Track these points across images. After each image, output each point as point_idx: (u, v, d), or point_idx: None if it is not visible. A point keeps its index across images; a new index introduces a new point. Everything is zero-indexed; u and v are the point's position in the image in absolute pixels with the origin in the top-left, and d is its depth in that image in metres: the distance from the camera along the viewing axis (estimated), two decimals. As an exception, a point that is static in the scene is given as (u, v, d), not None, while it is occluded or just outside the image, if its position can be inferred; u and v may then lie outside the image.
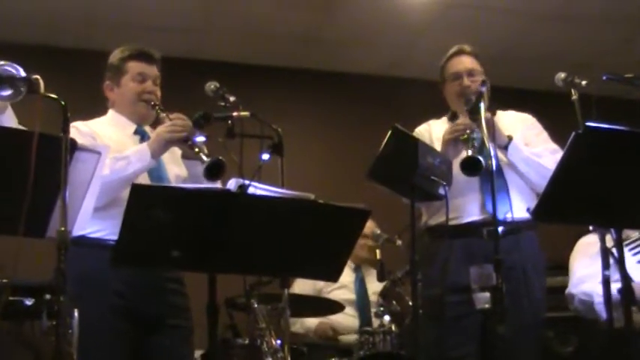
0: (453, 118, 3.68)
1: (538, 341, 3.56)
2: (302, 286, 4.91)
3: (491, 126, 3.38)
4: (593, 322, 3.98)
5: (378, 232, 4.70)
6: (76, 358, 3.05)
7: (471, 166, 3.19)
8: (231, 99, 3.23)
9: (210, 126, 3.24)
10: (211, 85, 3.29)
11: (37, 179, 2.42)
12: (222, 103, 3.25)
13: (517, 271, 3.36)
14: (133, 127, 3.41)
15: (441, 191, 3.10)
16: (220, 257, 2.63)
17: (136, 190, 2.49)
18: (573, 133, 2.75)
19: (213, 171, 3.02)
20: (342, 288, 5.09)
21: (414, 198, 3.03)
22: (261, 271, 2.96)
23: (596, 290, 3.70)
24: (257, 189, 2.68)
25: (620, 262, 3.00)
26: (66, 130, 2.45)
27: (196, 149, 3.09)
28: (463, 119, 3.46)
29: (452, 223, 3.47)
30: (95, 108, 3.50)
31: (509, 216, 3.38)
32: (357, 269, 5.27)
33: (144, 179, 3.23)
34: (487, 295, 3.07)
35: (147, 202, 2.50)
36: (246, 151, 3.17)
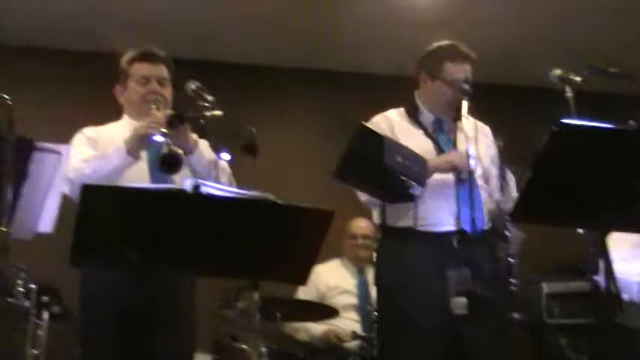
0: (413, 111, 3.59)
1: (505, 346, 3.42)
2: (306, 291, 4.86)
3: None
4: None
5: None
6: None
7: None
8: (209, 99, 3.18)
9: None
10: (191, 85, 3.24)
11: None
12: (201, 103, 3.21)
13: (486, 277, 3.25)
14: None
15: (413, 192, 3.01)
16: (178, 259, 2.60)
17: (86, 189, 2.46)
18: (549, 131, 2.67)
19: (165, 164, 2.99)
20: (346, 293, 5.03)
21: (383, 199, 2.95)
22: (222, 274, 2.91)
23: None
24: (212, 189, 2.62)
25: (607, 268, 2.88)
26: (11, 130, 2.44)
27: (163, 144, 3.06)
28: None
29: (423, 229, 3.34)
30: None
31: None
32: (360, 273, 5.19)
33: (144, 179, 3.23)
34: (464, 300, 2.99)
35: (97, 201, 2.48)
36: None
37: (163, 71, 3.47)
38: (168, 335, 3.17)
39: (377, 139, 2.88)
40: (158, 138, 3.05)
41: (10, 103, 2.50)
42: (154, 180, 3.24)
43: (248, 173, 3.13)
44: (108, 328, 3.11)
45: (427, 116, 3.54)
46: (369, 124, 3.42)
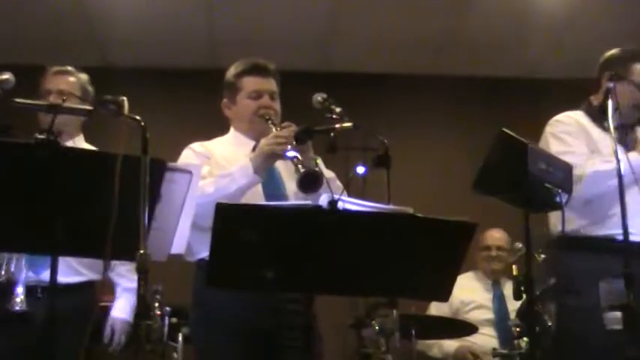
0: (599, 115, 3.50)
1: None
2: (438, 307, 4.83)
3: None
4: None
5: (519, 245, 4.51)
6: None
7: None
8: (337, 110, 3.16)
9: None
10: (318, 97, 3.23)
11: (122, 201, 2.47)
12: (329, 115, 3.19)
13: None
14: (251, 144, 3.40)
15: (559, 200, 2.92)
16: (315, 277, 2.59)
17: (220, 209, 2.47)
18: None
19: (306, 183, 2.98)
20: (481, 307, 4.98)
21: (527, 208, 2.87)
22: (360, 292, 2.89)
23: None
24: (349, 204, 2.60)
25: None
26: (146, 151, 2.48)
27: (295, 161, 3.06)
28: None
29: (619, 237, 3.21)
30: (222, 126, 3.57)
31: None
32: (495, 286, 5.13)
33: (258, 196, 3.23)
34: (618, 314, 2.88)
35: (232, 221, 2.49)
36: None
37: (273, 85, 3.46)
38: (294, 355, 3.14)
39: (520, 146, 2.81)
40: (291, 154, 3.05)
41: (143, 124, 2.53)
42: (268, 198, 3.25)
43: (381, 186, 3.11)
44: (231, 350, 3.13)
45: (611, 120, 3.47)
46: (560, 120, 3.48)
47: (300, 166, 3.03)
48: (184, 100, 6.24)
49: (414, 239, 2.61)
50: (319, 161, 3.30)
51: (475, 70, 6.37)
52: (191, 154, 3.36)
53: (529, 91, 6.35)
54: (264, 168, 3.19)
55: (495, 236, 5.17)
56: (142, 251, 2.40)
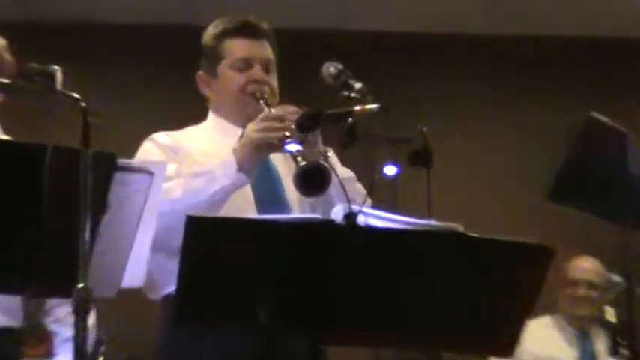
0: None
1: None
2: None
3: None
4: None
5: (616, 278, 4.53)
6: None
7: None
8: (357, 86, 3.18)
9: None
10: (330, 68, 3.25)
11: (53, 212, 2.49)
12: (346, 93, 3.21)
13: None
14: (238, 132, 3.39)
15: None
16: (323, 320, 2.61)
17: (192, 223, 2.48)
18: None
19: (307, 182, 3.00)
20: (562, 367, 4.99)
21: (625, 224, 2.89)
22: (388, 342, 2.91)
23: None
24: (373, 218, 2.61)
25: None
26: (87, 141, 2.49)
27: (295, 154, 3.06)
28: None
29: None
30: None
31: None
32: (584, 337, 5.15)
33: (247, 204, 3.26)
34: None
35: (208, 240, 2.51)
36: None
37: (268, 51, 3.49)
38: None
39: (615, 136, 2.83)
40: (292, 147, 3.07)
41: (84, 105, 2.53)
42: (261, 206, 3.27)
43: (419, 192, 3.13)
44: None
45: None
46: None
47: (299, 158, 3.04)
48: (150, 70, 6.26)
49: (465, 268, 2.64)
50: (330, 154, 3.32)
51: (547, 27, 6.43)
52: (153, 148, 3.38)
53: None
54: (253, 164, 3.20)
55: (584, 267, 5.15)
56: (81, 284, 2.42)
